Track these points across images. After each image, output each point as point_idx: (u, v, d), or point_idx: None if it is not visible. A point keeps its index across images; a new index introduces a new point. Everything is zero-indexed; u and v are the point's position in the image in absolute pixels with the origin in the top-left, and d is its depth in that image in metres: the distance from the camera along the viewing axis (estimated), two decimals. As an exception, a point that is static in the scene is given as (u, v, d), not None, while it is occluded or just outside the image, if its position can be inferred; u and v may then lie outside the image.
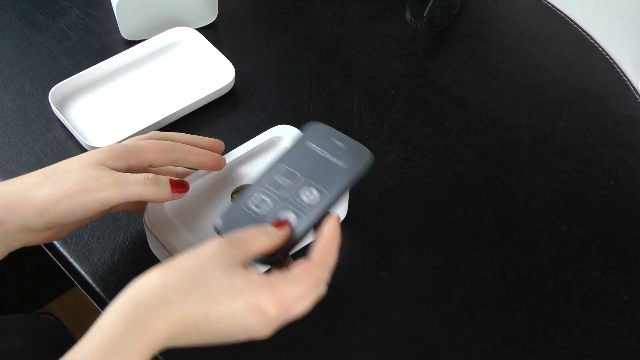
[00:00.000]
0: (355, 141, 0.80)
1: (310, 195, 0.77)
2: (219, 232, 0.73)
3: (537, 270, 0.89)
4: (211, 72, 1.03)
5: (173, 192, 0.78)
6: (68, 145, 0.98)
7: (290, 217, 0.75)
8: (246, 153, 0.91)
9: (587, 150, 0.98)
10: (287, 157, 0.79)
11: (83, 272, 0.87)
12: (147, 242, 0.88)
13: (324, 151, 0.79)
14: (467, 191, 0.96)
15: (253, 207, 0.76)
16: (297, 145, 0.80)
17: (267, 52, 1.08)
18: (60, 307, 1.58)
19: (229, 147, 0.92)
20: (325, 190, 0.77)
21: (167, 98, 1.00)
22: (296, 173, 0.78)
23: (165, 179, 0.78)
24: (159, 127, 0.99)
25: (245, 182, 0.89)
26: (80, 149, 0.97)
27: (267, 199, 0.76)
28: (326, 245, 0.70)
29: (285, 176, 0.78)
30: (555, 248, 0.91)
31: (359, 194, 0.94)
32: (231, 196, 0.88)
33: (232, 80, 1.02)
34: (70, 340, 0.73)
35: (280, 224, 0.72)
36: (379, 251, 0.90)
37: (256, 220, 0.74)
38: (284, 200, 0.77)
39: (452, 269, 0.90)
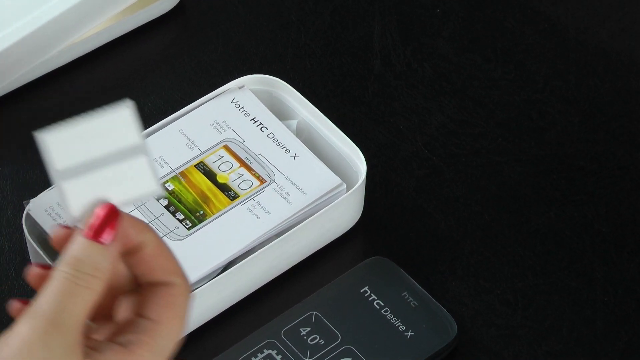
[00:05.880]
0: (437, 303, 0.76)
1: None
2: None
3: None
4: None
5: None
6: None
7: None
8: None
9: None
10: (323, 301, 0.76)
11: None
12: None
13: (386, 307, 0.75)
14: (563, 176, 0.85)
15: None
16: (343, 285, 0.77)
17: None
18: None
19: (166, 108, 0.84)
20: None
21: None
22: (335, 331, 0.74)
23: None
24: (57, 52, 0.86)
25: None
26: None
27: None
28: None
29: (316, 332, 0.74)
30: None
31: (383, 180, 0.84)
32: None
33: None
34: None
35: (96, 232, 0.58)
36: (416, 275, 0.79)
37: None
38: None
39: (538, 306, 0.80)
